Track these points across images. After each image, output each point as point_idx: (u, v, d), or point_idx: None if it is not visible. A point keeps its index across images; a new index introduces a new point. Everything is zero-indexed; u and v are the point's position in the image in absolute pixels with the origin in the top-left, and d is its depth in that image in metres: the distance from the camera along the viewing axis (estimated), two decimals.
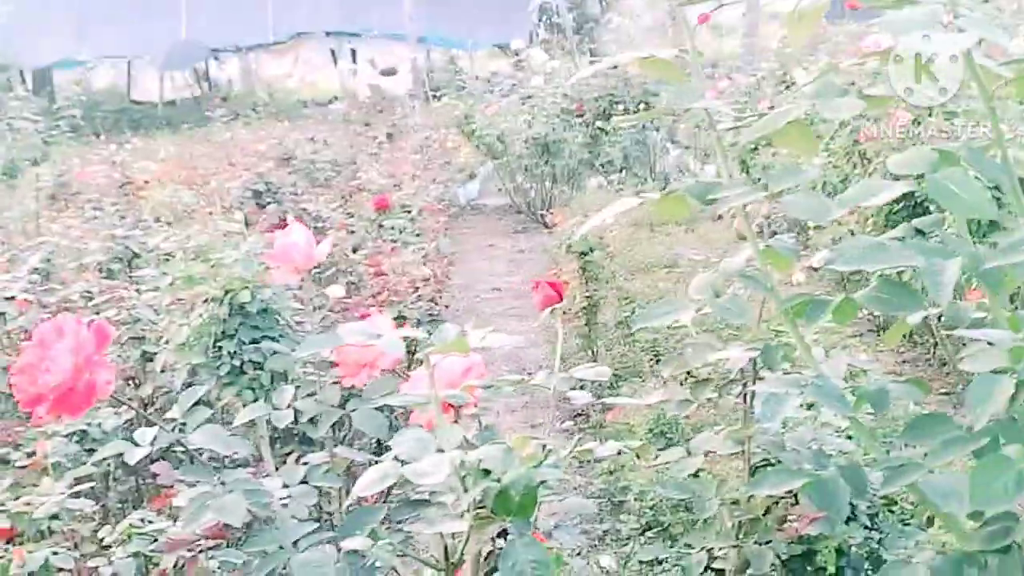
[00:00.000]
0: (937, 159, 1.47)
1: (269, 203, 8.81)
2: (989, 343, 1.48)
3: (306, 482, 2.30)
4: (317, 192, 9.48)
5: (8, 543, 3.66)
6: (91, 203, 8.70)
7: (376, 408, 2.34)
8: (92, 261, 6.70)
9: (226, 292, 4.23)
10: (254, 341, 4.30)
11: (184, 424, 2.13)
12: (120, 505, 4.45)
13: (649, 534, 4.27)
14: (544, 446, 1.62)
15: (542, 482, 1.59)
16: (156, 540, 3.28)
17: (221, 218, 4.40)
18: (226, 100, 24.39)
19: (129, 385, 4.49)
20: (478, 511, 1.58)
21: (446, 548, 1.61)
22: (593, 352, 6.52)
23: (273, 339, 4.32)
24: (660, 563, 4.14)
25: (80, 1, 24.15)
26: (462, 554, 1.61)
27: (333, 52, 25.13)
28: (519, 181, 13.22)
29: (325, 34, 24.69)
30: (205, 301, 4.31)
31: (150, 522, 3.33)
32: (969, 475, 1.44)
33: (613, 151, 12.57)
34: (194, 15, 24.23)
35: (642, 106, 12.83)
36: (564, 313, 6.69)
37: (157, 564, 3.06)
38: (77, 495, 3.15)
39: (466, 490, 1.61)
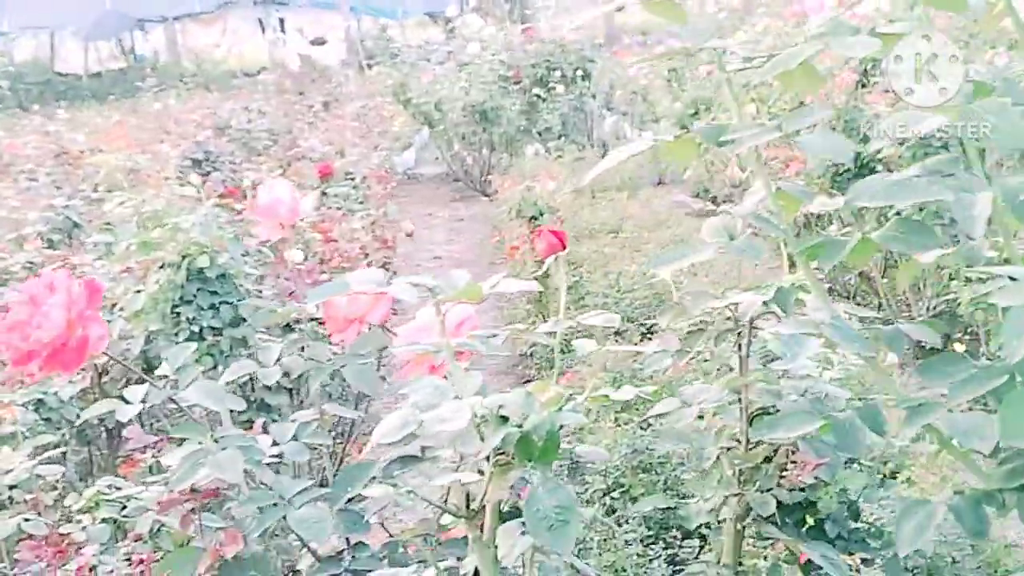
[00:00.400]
0: (972, 90, 1.47)
1: (209, 171, 8.68)
2: (1012, 278, 1.48)
3: (295, 439, 2.27)
4: (257, 161, 9.36)
5: None
6: (24, 174, 8.54)
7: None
8: (31, 232, 6.58)
9: (183, 257, 4.16)
10: (212, 307, 4.24)
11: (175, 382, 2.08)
12: (76, 474, 4.38)
13: (614, 495, 4.28)
14: (563, 392, 1.60)
15: (562, 427, 1.57)
16: (125, 507, 3.23)
17: (175, 183, 4.31)
18: (154, 71, 24.03)
19: None
20: (497, 459, 1.56)
21: (468, 496, 1.59)
22: (544, 317, 6.51)
23: (231, 304, 4.26)
24: (621, 524, 4.16)
25: None
26: (482, 502, 1.58)
27: (261, 21, 24.83)
28: (456, 149, 13.15)
29: (253, 3, 24.37)
30: (161, 267, 4.24)
31: (118, 488, 3.27)
32: (999, 410, 1.44)
33: (552, 118, 12.54)
34: None
35: (579, 72, 12.82)
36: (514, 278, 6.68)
37: (130, 529, 3.01)
38: (47, 462, 3.08)
39: (482, 438, 1.59)
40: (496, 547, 1.59)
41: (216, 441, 2.02)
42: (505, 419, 1.57)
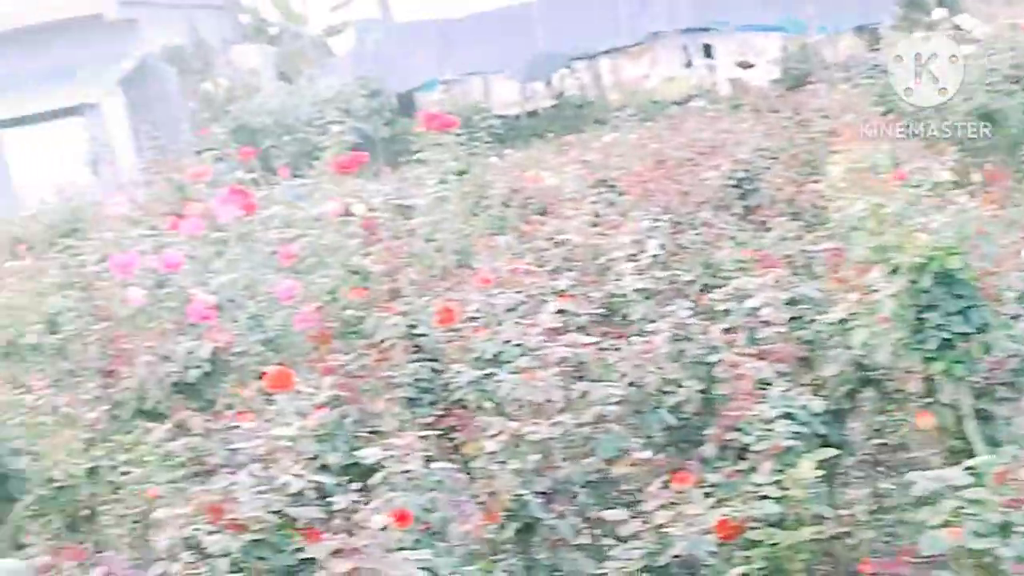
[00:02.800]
0: None
1: (750, 190, 8.53)
2: None
3: None
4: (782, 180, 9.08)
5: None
6: (573, 205, 8.60)
7: None
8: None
9: (930, 260, 3.90)
10: (960, 312, 3.95)
11: None
12: None
13: None
14: None
15: None
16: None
17: (913, 183, 4.06)
18: (581, 108, 24.41)
19: (802, 367, 4.23)
20: None
21: None
22: None
23: (977, 307, 3.97)
24: None
25: (442, 25, 24.99)
26: None
27: (686, 49, 24.81)
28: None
29: (680, 32, 24.38)
30: (893, 271, 4.00)
31: None
32: None
33: None
34: (546, 25, 24.41)
35: None
36: None
37: None
38: None
39: None
40: None
41: None
42: None
